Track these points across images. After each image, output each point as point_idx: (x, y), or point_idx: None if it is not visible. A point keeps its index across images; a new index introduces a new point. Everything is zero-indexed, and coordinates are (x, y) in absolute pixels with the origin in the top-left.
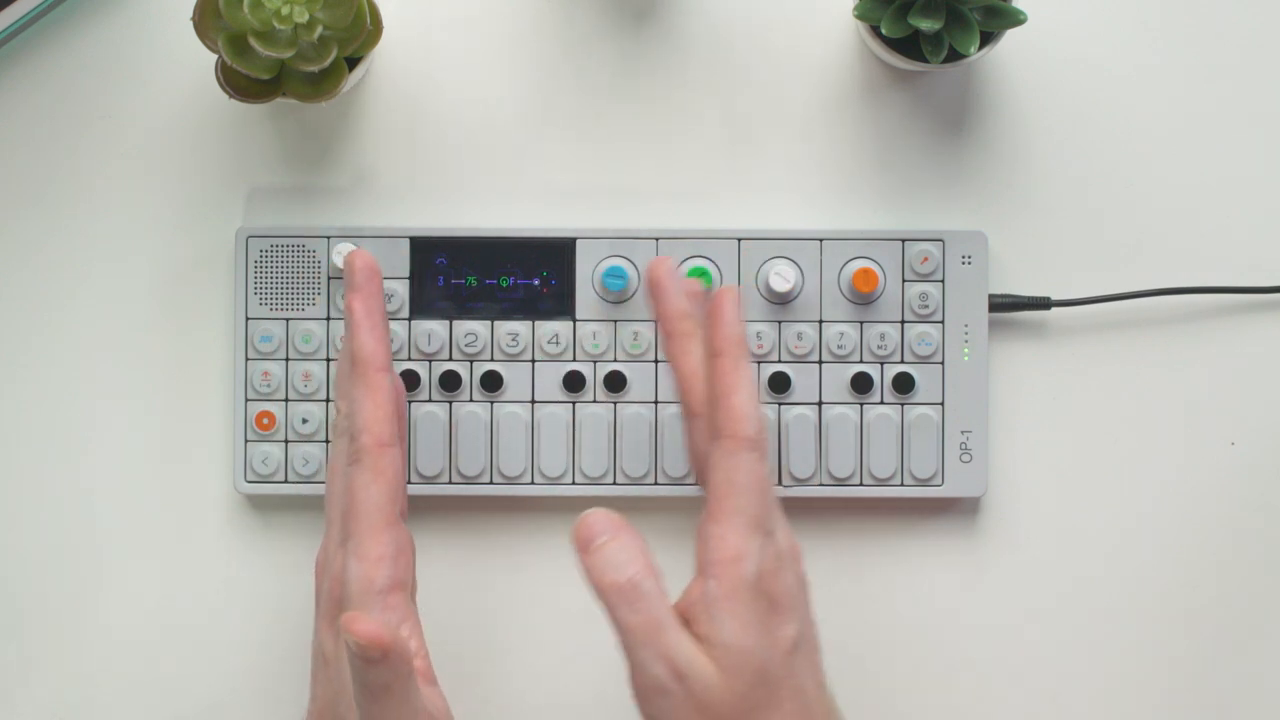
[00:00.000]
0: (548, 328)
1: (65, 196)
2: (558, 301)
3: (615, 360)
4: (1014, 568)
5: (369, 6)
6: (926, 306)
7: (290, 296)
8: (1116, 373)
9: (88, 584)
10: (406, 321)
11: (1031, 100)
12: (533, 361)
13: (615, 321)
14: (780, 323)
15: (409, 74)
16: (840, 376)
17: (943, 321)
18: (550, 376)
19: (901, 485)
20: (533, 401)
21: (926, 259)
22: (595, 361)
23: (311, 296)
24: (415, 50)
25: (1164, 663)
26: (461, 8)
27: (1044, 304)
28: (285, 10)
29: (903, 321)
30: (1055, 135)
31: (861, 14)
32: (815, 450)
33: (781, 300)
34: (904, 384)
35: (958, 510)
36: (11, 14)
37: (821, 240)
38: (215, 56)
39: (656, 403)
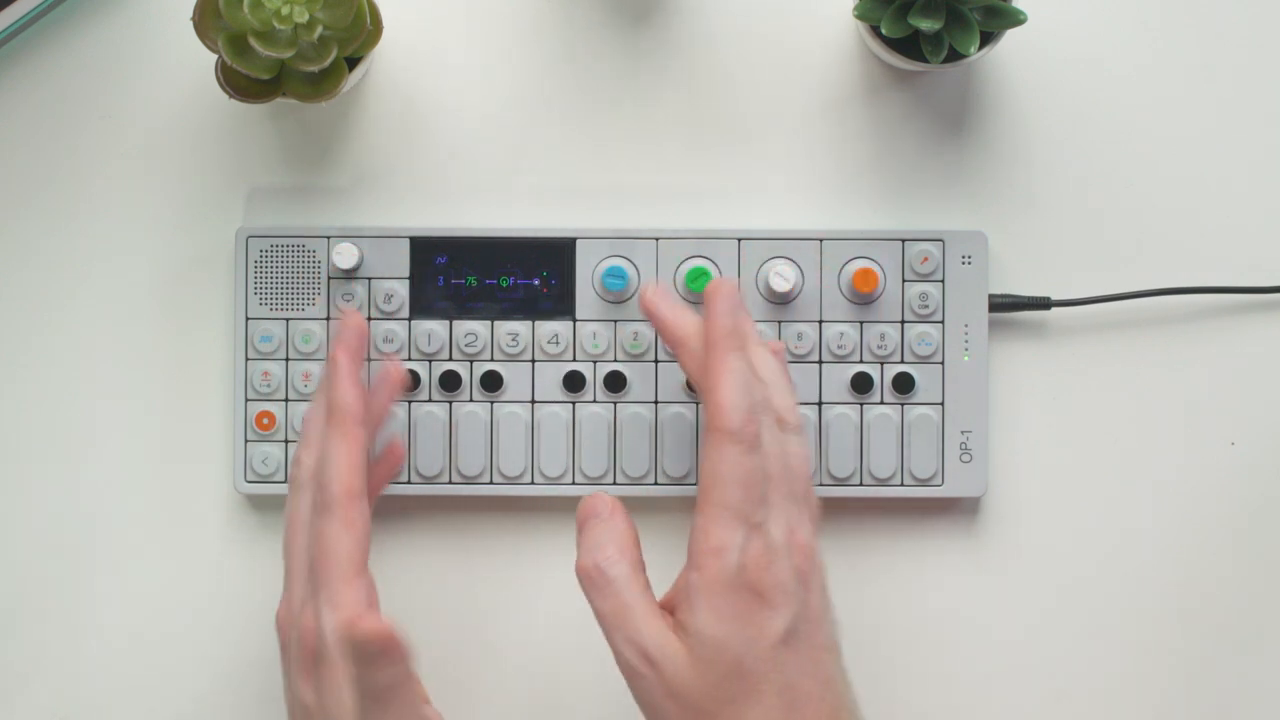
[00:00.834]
0: (548, 328)
1: (65, 196)
2: (558, 301)
3: (615, 360)
4: (1014, 568)
5: (369, 6)
6: (926, 306)
7: (290, 296)
8: (1116, 373)
9: (88, 584)
10: (406, 321)
11: (1031, 100)
12: (533, 361)
13: (615, 321)
14: (780, 323)
15: (409, 74)
16: (840, 376)
17: (943, 321)
18: (550, 376)
19: (901, 485)
20: (533, 401)
21: (926, 259)
22: (595, 361)
23: (311, 296)
24: (415, 50)
25: (1164, 662)
26: (461, 8)
27: (1044, 304)
28: (285, 10)
29: (903, 321)
30: (1055, 135)
31: (861, 14)
32: (815, 450)
33: (781, 300)
34: (904, 384)
35: (958, 510)
36: (11, 14)
37: (821, 240)
38: (215, 56)
39: (656, 403)
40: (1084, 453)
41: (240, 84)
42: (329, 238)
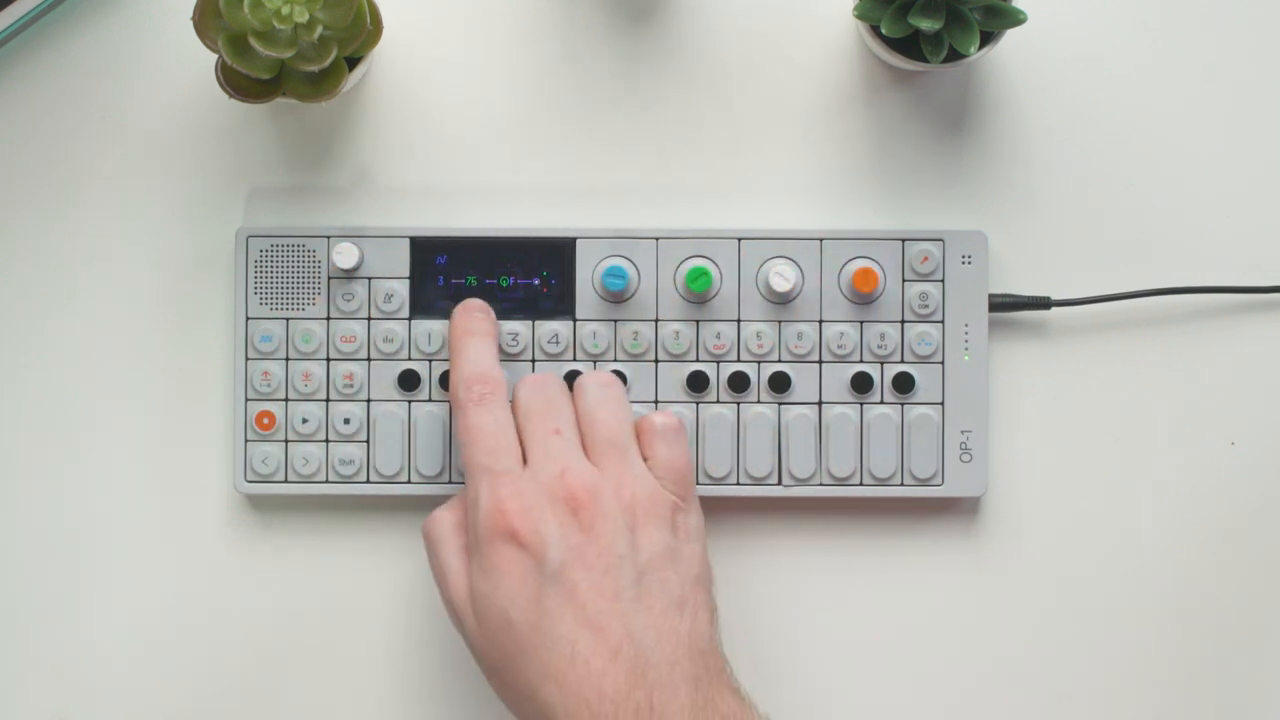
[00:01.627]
0: (548, 327)
1: (65, 196)
2: (558, 301)
3: (615, 360)
4: (1014, 568)
5: (369, 6)
6: (926, 306)
7: (290, 296)
8: (1116, 373)
9: (87, 584)
10: (406, 321)
11: (1031, 100)
12: (533, 361)
13: (615, 321)
14: (780, 323)
15: (409, 74)
16: (840, 376)
17: (943, 321)
18: None
19: (901, 485)
20: None
21: (926, 259)
22: (595, 361)
23: (311, 296)
24: (415, 50)
25: (1164, 662)
26: (461, 8)
27: (1044, 304)
28: (285, 10)
29: (903, 321)
30: (1055, 135)
31: (861, 14)
32: (815, 450)
33: (781, 300)
34: (904, 384)
35: (958, 510)
36: (11, 14)
37: (821, 240)
38: (215, 56)
39: (656, 402)
40: (1084, 453)
41: (240, 84)
42: (329, 238)
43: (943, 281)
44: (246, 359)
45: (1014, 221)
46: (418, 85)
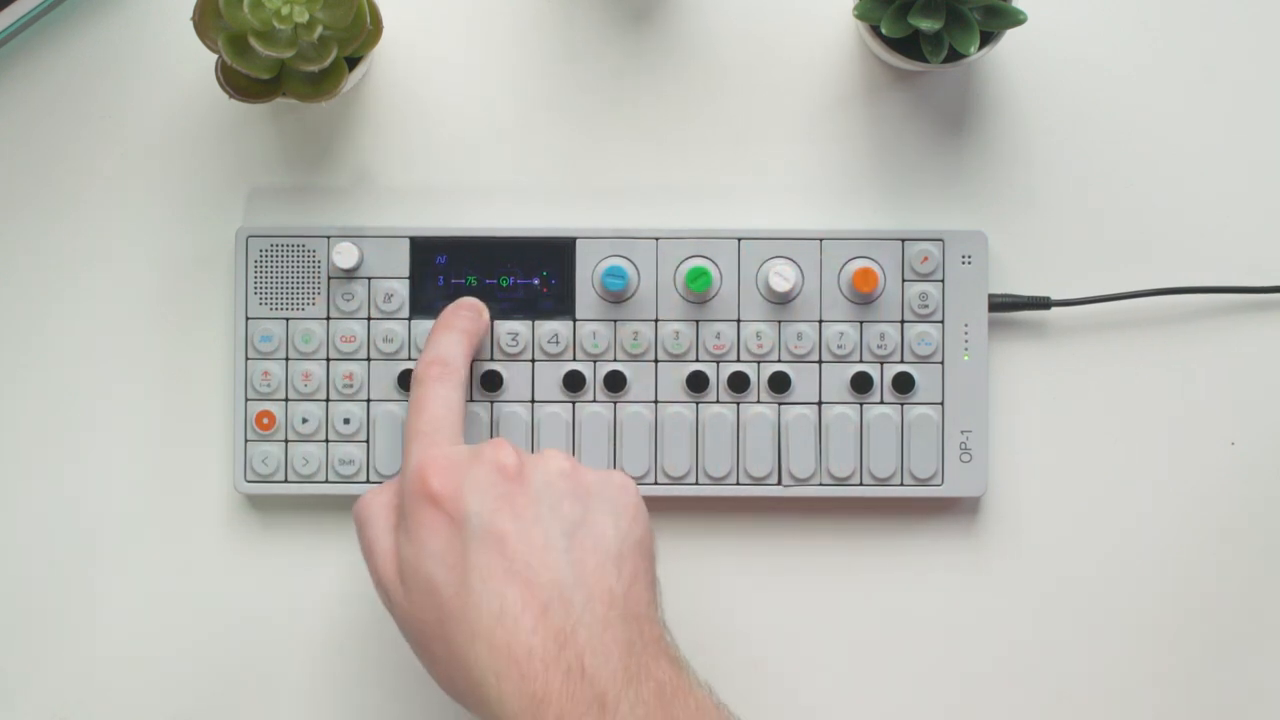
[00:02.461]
0: (548, 327)
1: (65, 196)
2: (558, 301)
3: (615, 360)
4: (1014, 568)
5: (369, 6)
6: (926, 306)
7: (290, 296)
8: (1116, 373)
9: (87, 584)
10: (406, 321)
11: (1031, 100)
12: (533, 361)
13: (615, 321)
14: (780, 323)
15: (409, 74)
16: (840, 376)
17: (943, 321)
18: (550, 376)
19: (901, 485)
20: (533, 401)
21: (926, 259)
22: (595, 361)
23: (311, 296)
24: (415, 50)
25: (1164, 662)
26: (461, 8)
27: (1044, 304)
28: (285, 10)
29: (903, 321)
30: (1055, 135)
31: (861, 14)
32: (815, 450)
33: (781, 300)
34: (904, 384)
35: (958, 510)
36: (11, 14)
37: (821, 240)
38: (215, 56)
39: (656, 402)
40: (1084, 453)
41: (240, 84)
42: (329, 238)
43: (943, 281)
44: (246, 359)
45: (1014, 221)
46: (418, 85)
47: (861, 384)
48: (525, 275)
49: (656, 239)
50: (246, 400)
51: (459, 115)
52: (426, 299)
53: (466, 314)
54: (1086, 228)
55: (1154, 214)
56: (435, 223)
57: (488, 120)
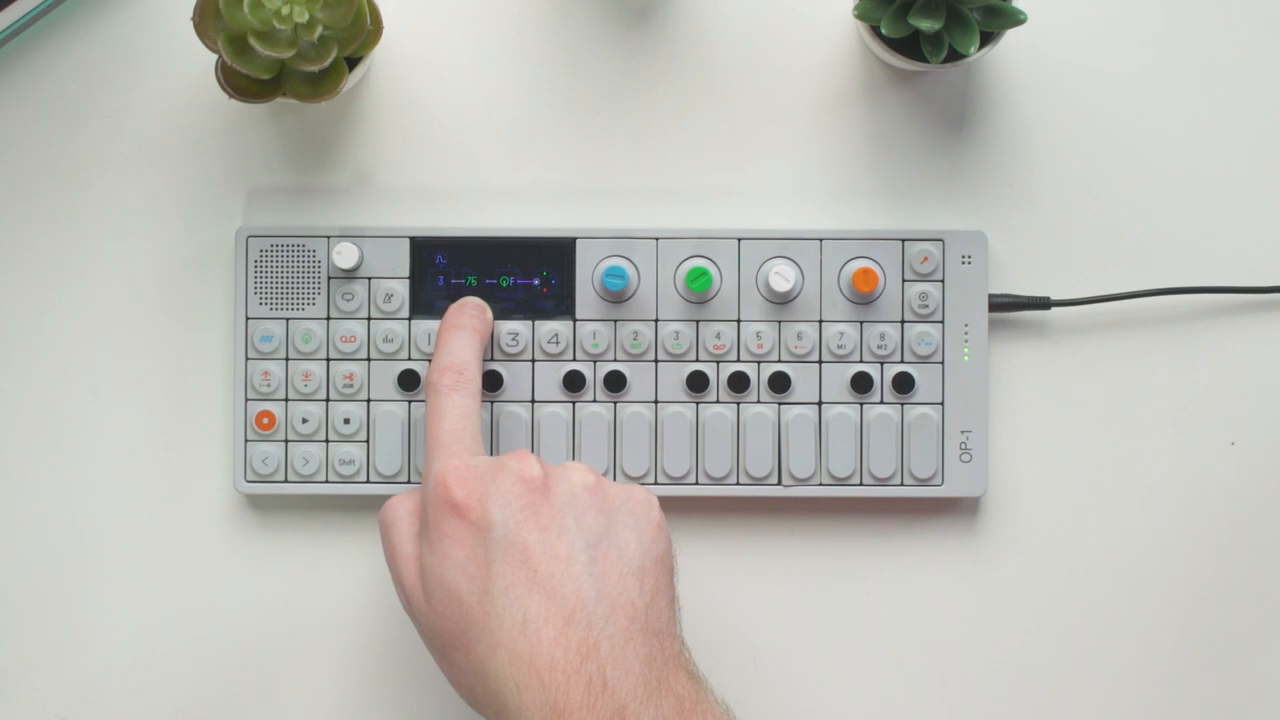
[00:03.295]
0: (548, 327)
1: (65, 196)
2: (558, 301)
3: (615, 360)
4: (1014, 568)
5: (369, 6)
6: (926, 306)
7: (290, 296)
8: (1116, 373)
9: (87, 584)
10: (406, 321)
11: (1031, 100)
12: (533, 361)
13: (615, 321)
14: (780, 323)
15: (409, 74)
16: (840, 376)
17: (943, 321)
18: (550, 376)
19: (901, 485)
20: (533, 401)
21: (926, 259)
22: (595, 361)
23: (311, 296)
24: (415, 50)
25: (1163, 662)
26: (462, 8)
27: (1044, 304)
28: (285, 10)
29: (903, 321)
30: (1055, 135)
31: (861, 14)
32: (815, 450)
33: (781, 300)
34: (904, 384)
35: (958, 510)
36: (11, 14)
37: (821, 240)
38: (215, 56)
39: (656, 402)
40: (1084, 452)
41: (240, 84)
42: (329, 238)
43: (943, 281)
44: (246, 359)
45: (1014, 221)
46: (418, 85)
47: (861, 384)
48: (525, 275)
49: (656, 239)
50: (246, 400)
51: (459, 115)
52: (426, 299)
53: (473, 312)
54: (1086, 228)
55: (1154, 214)
56: (435, 223)
57: (488, 120)
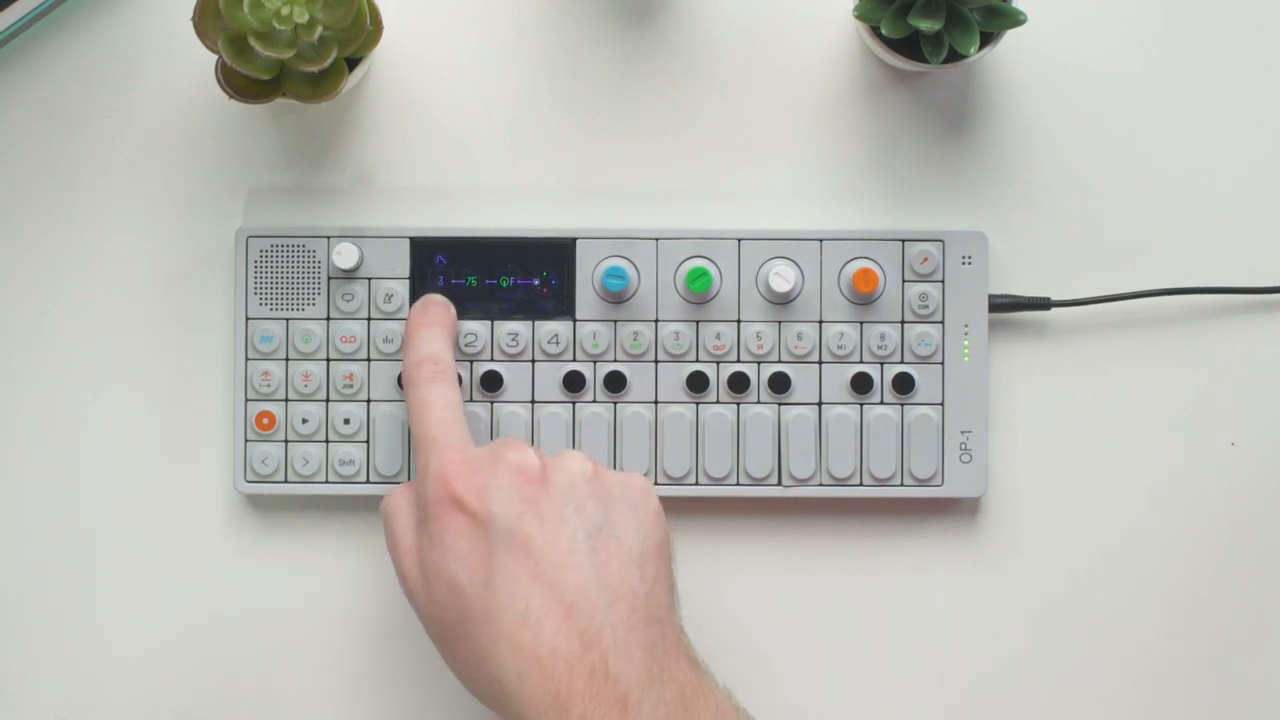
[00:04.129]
0: (548, 328)
1: (65, 196)
2: (558, 301)
3: (615, 360)
4: (1014, 568)
5: (369, 6)
6: (926, 306)
7: (290, 296)
8: (1116, 373)
9: (88, 584)
10: (406, 322)
11: (1031, 100)
12: (533, 361)
13: (615, 321)
14: (780, 323)
15: (409, 74)
16: (840, 376)
17: (943, 322)
18: (550, 376)
19: (901, 485)
20: (533, 401)
21: (926, 259)
22: (595, 361)
23: (311, 296)
24: (415, 50)
25: (1163, 662)
26: (462, 8)
27: (1044, 304)
28: (285, 10)
29: (903, 321)
30: (1055, 135)
31: (861, 14)
32: (815, 450)
33: (781, 300)
34: (904, 384)
35: (958, 510)
36: (11, 14)
37: (821, 240)
38: (215, 56)
39: (656, 402)
40: (1084, 453)
41: (240, 84)
42: (329, 238)
43: (943, 282)
44: (246, 359)
45: (1014, 221)
46: (418, 85)
47: (861, 384)
48: (525, 275)
49: (656, 239)
50: (246, 400)
51: (459, 115)
52: None
53: (438, 310)
54: (1086, 228)
55: (1154, 214)
56: (435, 223)
57: (488, 120)
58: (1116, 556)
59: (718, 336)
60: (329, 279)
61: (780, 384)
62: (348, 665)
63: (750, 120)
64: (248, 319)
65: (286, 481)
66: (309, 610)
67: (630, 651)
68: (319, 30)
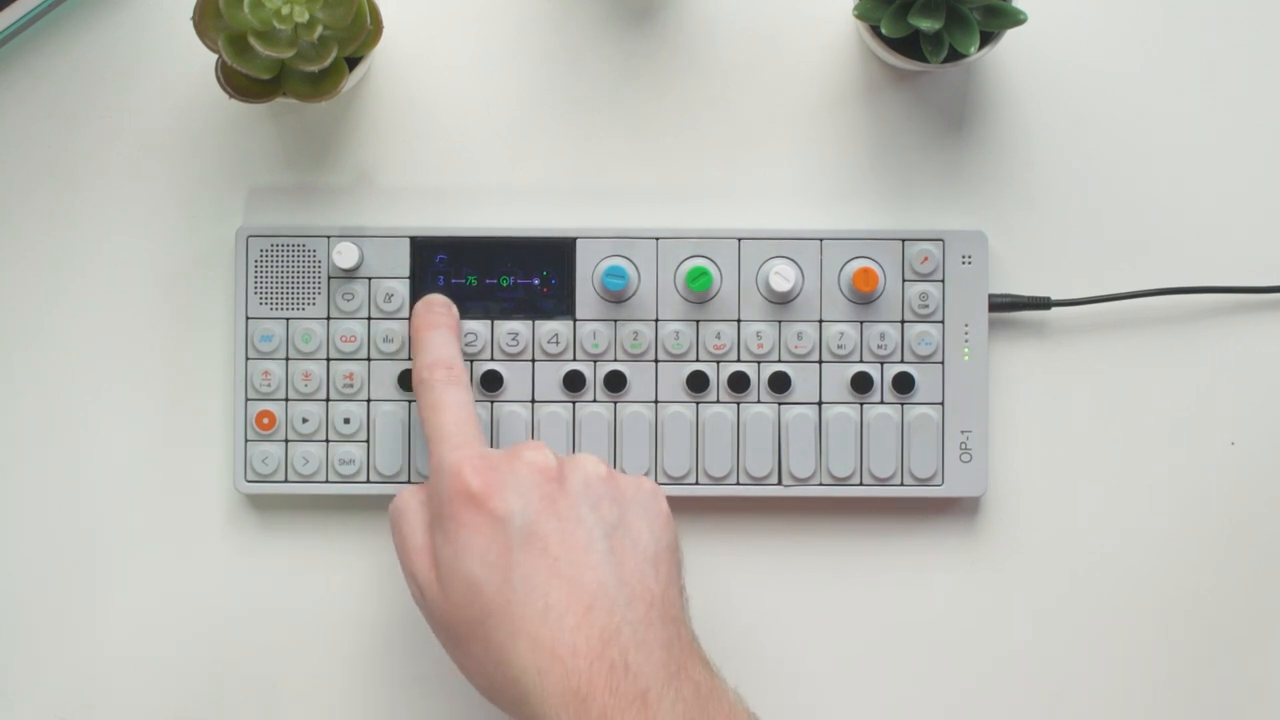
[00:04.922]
0: (548, 327)
1: (65, 197)
2: (558, 301)
3: (615, 360)
4: (1014, 568)
5: (369, 6)
6: (926, 306)
7: (290, 296)
8: (1116, 373)
9: (88, 584)
10: (407, 321)
11: (1031, 100)
12: (533, 361)
13: (615, 321)
14: (780, 323)
15: (409, 74)
16: (840, 376)
17: (943, 321)
18: (550, 376)
19: (901, 485)
20: (533, 401)
21: (926, 259)
22: (595, 361)
23: (311, 296)
24: (415, 50)
25: (1163, 662)
26: (461, 7)
27: (1044, 304)
28: (285, 10)
29: (903, 321)
30: (1055, 135)
31: (861, 14)
32: (815, 450)
33: (781, 300)
34: (904, 384)
35: (958, 510)
36: (11, 14)
37: (821, 240)
38: (215, 56)
39: (656, 402)
40: (1084, 452)
41: (240, 84)
42: (329, 237)
43: (943, 281)
44: (246, 359)
45: (1014, 221)
46: (418, 85)
47: (861, 384)
48: (525, 275)
49: (656, 239)
50: (246, 400)
51: (459, 115)
52: None
53: (441, 310)
54: (1086, 228)
55: (1154, 214)
56: (435, 223)
57: (488, 120)
58: (1116, 556)
59: (718, 336)
60: (329, 279)
61: (780, 383)
62: (348, 665)
63: (750, 120)
64: (248, 318)
65: (287, 481)
66: (309, 610)
67: (649, 648)
68: (319, 29)
